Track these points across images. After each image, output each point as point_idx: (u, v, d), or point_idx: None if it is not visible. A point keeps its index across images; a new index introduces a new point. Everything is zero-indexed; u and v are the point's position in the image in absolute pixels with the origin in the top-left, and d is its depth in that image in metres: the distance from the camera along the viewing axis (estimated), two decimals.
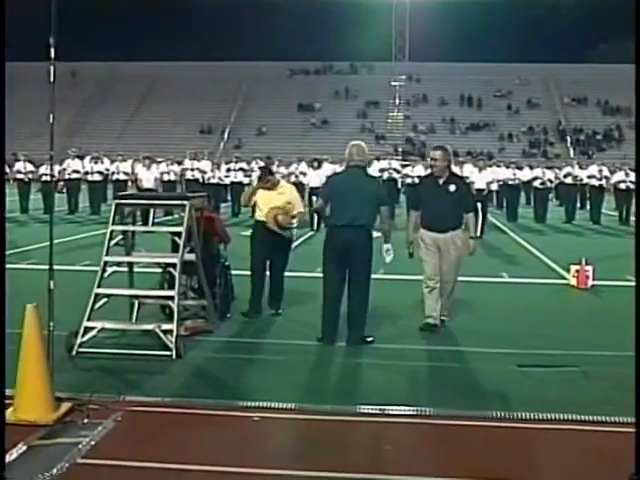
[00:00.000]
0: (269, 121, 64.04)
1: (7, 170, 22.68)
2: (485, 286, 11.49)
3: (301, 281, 10.19)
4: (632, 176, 22.98)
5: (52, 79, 5.72)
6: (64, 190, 24.19)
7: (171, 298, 7.66)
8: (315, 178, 19.99)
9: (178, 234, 7.90)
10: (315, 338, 7.88)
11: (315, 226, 18.87)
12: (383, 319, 8.96)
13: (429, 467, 4.86)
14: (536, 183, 24.12)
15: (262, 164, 24.91)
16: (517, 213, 23.91)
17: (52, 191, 22.88)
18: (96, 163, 24.15)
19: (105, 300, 7.64)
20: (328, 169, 20.02)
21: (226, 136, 64.00)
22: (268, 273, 9.20)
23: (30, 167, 24.04)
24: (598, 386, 6.57)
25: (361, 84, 68.46)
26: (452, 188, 8.41)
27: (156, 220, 15.48)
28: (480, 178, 19.77)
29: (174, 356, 7.12)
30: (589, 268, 11.40)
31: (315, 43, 72.07)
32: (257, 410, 5.78)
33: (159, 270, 8.65)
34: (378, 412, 5.77)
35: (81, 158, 24.60)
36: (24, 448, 4.90)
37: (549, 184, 24.53)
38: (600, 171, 23.79)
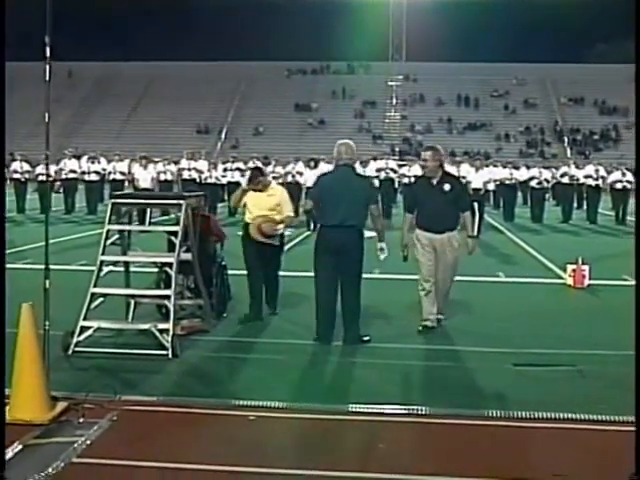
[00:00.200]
0: (266, 121, 64.03)
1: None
2: (482, 286, 11.50)
3: (298, 281, 10.18)
4: (629, 176, 23.04)
5: (47, 78, 5.70)
6: (61, 190, 24.16)
7: (167, 297, 7.67)
8: (312, 178, 19.89)
9: (174, 233, 7.90)
10: (312, 338, 7.88)
11: (312, 226, 18.86)
12: (380, 318, 8.97)
13: (425, 466, 4.86)
14: (533, 183, 24.12)
15: (259, 164, 24.95)
16: (514, 213, 23.91)
17: (49, 191, 22.84)
18: (93, 163, 24.13)
19: (101, 299, 7.64)
20: (325, 169, 20.00)
21: (223, 136, 63.97)
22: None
23: (27, 167, 24.02)
24: (594, 385, 6.58)
25: (358, 84, 68.46)
26: (446, 188, 8.37)
27: (153, 220, 15.49)
28: (477, 178, 19.79)
29: (170, 355, 7.12)
30: (585, 268, 11.41)
31: (312, 43, 72.09)
32: (253, 409, 5.78)
33: (155, 270, 8.64)
34: (373, 411, 5.77)
35: (78, 158, 24.57)
36: (19, 447, 4.90)
37: (546, 184, 24.53)
38: (597, 171, 23.81)
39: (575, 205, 25.35)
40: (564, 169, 24.69)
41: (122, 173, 23.30)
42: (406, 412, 5.79)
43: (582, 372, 6.88)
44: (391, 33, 68.82)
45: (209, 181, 23.41)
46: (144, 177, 20.87)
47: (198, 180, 23.26)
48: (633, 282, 11.04)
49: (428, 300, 8.40)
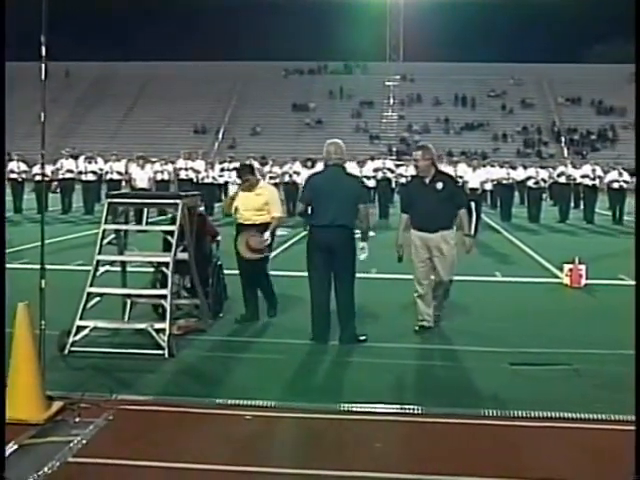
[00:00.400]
0: (263, 121, 64.03)
1: None
2: (478, 285, 11.50)
3: (295, 281, 10.17)
4: (625, 175, 23.09)
5: (43, 78, 5.70)
6: (58, 190, 24.14)
7: (164, 297, 7.66)
8: None
9: (171, 233, 7.89)
10: (308, 337, 7.88)
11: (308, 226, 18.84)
12: (376, 318, 8.97)
13: (421, 465, 4.86)
14: (530, 183, 24.14)
15: (256, 164, 24.94)
16: (511, 212, 23.94)
17: (45, 191, 22.81)
18: (90, 163, 24.09)
19: (98, 299, 7.64)
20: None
21: (220, 136, 63.96)
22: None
23: (24, 167, 24.00)
24: (590, 384, 6.57)
25: (355, 84, 68.47)
26: (439, 186, 8.32)
27: (150, 220, 15.47)
28: (474, 178, 19.80)
29: (166, 355, 7.12)
30: (582, 267, 11.42)
31: (310, 43, 72.27)
32: (249, 409, 5.78)
33: (152, 269, 8.64)
34: (369, 410, 5.78)
35: (75, 158, 24.54)
36: (15, 447, 4.89)
37: (543, 184, 24.54)
38: (594, 171, 23.84)
39: (572, 205, 25.40)
40: (561, 169, 24.72)
41: (119, 173, 23.29)
42: (402, 411, 5.79)
43: (578, 371, 6.88)
44: (388, 33, 68.83)
45: (206, 181, 23.44)
46: (141, 177, 20.86)
47: (195, 180, 23.28)
48: (630, 282, 11.08)
49: (423, 302, 8.40)
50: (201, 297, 8.34)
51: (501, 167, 24.90)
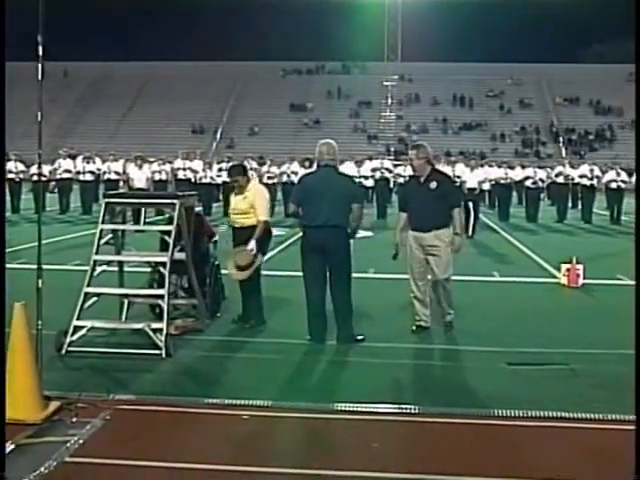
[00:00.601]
0: (261, 121, 64.01)
1: None
2: (476, 285, 11.49)
3: (292, 280, 10.17)
4: (623, 175, 23.10)
5: (40, 77, 5.69)
6: (56, 190, 24.12)
7: (161, 297, 7.66)
8: None
9: (168, 233, 7.88)
10: (305, 337, 7.88)
11: None
12: (374, 318, 8.98)
13: (419, 465, 4.86)
14: (528, 183, 24.16)
15: (254, 164, 24.96)
16: (509, 212, 23.94)
17: (42, 190, 22.79)
18: (88, 163, 24.09)
19: (95, 299, 7.63)
20: None
21: (218, 136, 63.94)
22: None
23: (21, 167, 23.95)
24: (587, 384, 6.57)
25: (353, 84, 68.45)
26: (433, 185, 8.27)
27: (148, 220, 15.47)
28: (472, 177, 19.79)
29: (164, 355, 7.12)
30: (580, 267, 11.43)
31: (308, 43, 72.11)
32: (246, 408, 5.78)
33: (149, 269, 8.63)
34: (367, 410, 5.78)
35: (73, 158, 24.53)
36: (12, 447, 4.89)
37: (541, 184, 24.59)
38: (591, 170, 23.85)
39: (570, 205, 25.40)
40: (559, 169, 24.73)
41: (117, 173, 23.27)
42: (400, 411, 5.79)
43: (575, 371, 6.88)
44: (386, 33, 68.83)
45: (204, 181, 23.43)
46: (139, 177, 20.85)
47: (193, 180, 23.28)
48: (627, 281, 11.09)
49: (419, 303, 8.38)
50: (198, 297, 8.33)
51: (499, 167, 24.89)
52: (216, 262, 9.10)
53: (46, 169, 23.22)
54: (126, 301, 8.31)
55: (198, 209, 9.64)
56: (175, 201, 7.94)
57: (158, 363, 7.00)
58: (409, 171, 22.21)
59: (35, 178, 23.32)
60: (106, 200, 8.17)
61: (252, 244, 8.23)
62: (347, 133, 60.95)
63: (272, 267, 9.02)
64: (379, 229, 18.44)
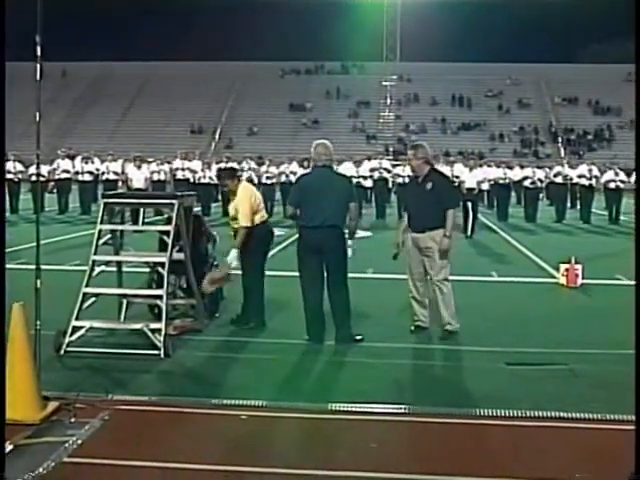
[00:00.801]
0: (260, 121, 64.00)
1: None
2: (475, 285, 11.49)
3: (291, 281, 10.17)
4: (622, 175, 23.11)
5: (38, 77, 5.69)
6: (54, 190, 24.11)
7: (160, 297, 7.66)
8: None
9: (166, 233, 7.88)
10: (303, 337, 7.88)
11: None
12: (372, 318, 8.97)
13: (417, 465, 4.86)
14: (526, 183, 24.16)
15: (253, 164, 24.96)
16: (508, 212, 23.93)
17: (40, 191, 22.78)
18: (87, 163, 24.08)
19: (93, 299, 7.63)
20: None
21: (217, 136, 63.93)
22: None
23: (20, 167, 23.93)
24: (586, 384, 6.57)
25: (352, 84, 68.46)
26: (428, 186, 8.20)
27: (147, 220, 15.47)
28: (471, 177, 19.80)
29: (162, 355, 7.11)
30: (579, 267, 11.43)
31: (306, 43, 72.26)
32: (245, 409, 5.78)
33: (148, 270, 8.63)
34: (365, 410, 5.77)
35: (72, 158, 24.52)
36: (11, 447, 4.88)
37: (539, 184, 24.59)
38: (590, 170, 23.86)
39: (568, 205, 25.42)
40: (558, 169, 24.76)
41: (116, 173, 23.27)
42: (398, 411, 5.79)
43: (574, 371, 6.88)
44: (385, 33, 68.81)
45: (203, 181, 23.41)
46: (138, 177, 20.83)
47: (192, 180, 23.27)
48: (626, 281, 11.10)
49: (417, 304, 8.36)
50: (197, 297, 8.32)
51: (498, 167, 24.90)
52: (215, 262, 9.09)
53: (45, 169, 23.24)
54: (125, 301, 8.31)
55: (197, 209, 9.62)
56: (174, 201, 7.94)
57: (157, 363, 7.00)
58: (408, 171, 22.33)
59: (34, 178, 23.28)
60: (105, 200, 8.17)
61: (232, 254, 8.15)
62: (346, 133, 60.99)
63: (271, 267, 9.00)
64: (378, 229, 18.43)
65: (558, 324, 8.98)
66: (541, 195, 26.45)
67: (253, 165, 24.92)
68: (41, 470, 4.59)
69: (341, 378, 6.84)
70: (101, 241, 7.86)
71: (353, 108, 66.91)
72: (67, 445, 4.97)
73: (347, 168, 22.93)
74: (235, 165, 23.89)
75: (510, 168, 25.00)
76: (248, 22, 77.27)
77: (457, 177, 20.07)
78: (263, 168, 24.68)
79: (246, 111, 66.01)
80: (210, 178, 23.80)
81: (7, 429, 4.96)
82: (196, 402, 5.93)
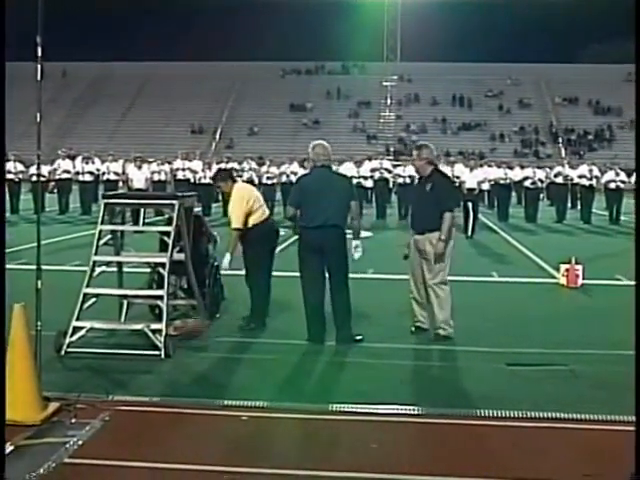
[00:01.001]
0: (261, 121, 63.98)
1: None
2: (475, 285, 11.50)
3: (292, 281, 10.17)
4: (622, 175, 23.12)
5: (39, 78, 5.70)
6: (55, 190, 24.11)
7: (160, 298, 7.66)
8: None
9: (167, 234, 7.88)
10: (304, 338, 7.88)
11: None
12: (373, 318, 8.97)
13: (418, 466, 4.86)
14: (527, 183, 24.17)
15: (253, 164, 24.96)
16: (508, 213, 23.93)
17: (41, 191, 22.79)
18: (87, 163, 24.08)
19: (94, 300, 7.63)
20: None
21: (217, 136, 63.91)
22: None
23: (20, 167, 23.93)
24: (586, 384, 6.58)
25: (353, 84, 68.43)
26: (428, 187, 8.16)
27: (147, 220, 15.47)
28: (471, 178, 19.80)
29: (163, 356, 7.12)
30: (579, 267, 11.43)
31: (307, 43, 72.09)
32: (245, 409, 5.78)
33: (148, 270, 8.63)
34: (366, 411, 5.78)
35: (72, 158, 24.52)
36: (11, 448, 4.89)
37: (540, 184, 24.60)
38: (590, 171, 23.86)
39: (569, 205, 25.42)
40: (558, 169, 24.76)
41: (116, 173, 23.28)
42: (399, 412, 5.79)
43: (574, 372, 6.88)
44: (386, 33, 68.75)
45: (203, 181, 23.38)
46: (138, 177, 20.85)
47: (192, 180, 23.27)
48: (626, 282, 11.10)
49: (417, 305, 8.35)
50: (198, 298, 8.32)
51: (498, 167, 24.89)
52: (215, 263, 9.09)
53: (45, 169, 23.22)
54: (125, 302, 8.31)
55: (197, 210, 9.62)
56: (174, 202, 7.94)
57: (157, 364, 7.00)
58: (408, 171, 22.40)
59: (34, 178, 23.29)
60: (105, 201, 8.17)
61: (227, 258, 8.26)
62: (346, 133, 60.99)
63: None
64: (378, 229, 18.43)
65: (558, 324, 8.98)
66: (541, 195, 26.45)
67: (254, 165, 24.93)
68: (41, 471, 4.59)
69: (341, 379, 6.85)
70: (102, 241, 7.85)
71: (354, 108, 66.89)
72: (68, 446, 4.98)
73: (348, 168, 22.92)
74: (236, 165, 23.99)
75: (510, 168, 25.00)
76: (248, 22, 77.24)
77: (458, 177, 20.06)
78: (264, 168, 24.69)
79: (247, 111, 66.00)
80: (210, 178, 23.82)
81: (7, 430, 4.97)
82: (197, 403, 5.94)
